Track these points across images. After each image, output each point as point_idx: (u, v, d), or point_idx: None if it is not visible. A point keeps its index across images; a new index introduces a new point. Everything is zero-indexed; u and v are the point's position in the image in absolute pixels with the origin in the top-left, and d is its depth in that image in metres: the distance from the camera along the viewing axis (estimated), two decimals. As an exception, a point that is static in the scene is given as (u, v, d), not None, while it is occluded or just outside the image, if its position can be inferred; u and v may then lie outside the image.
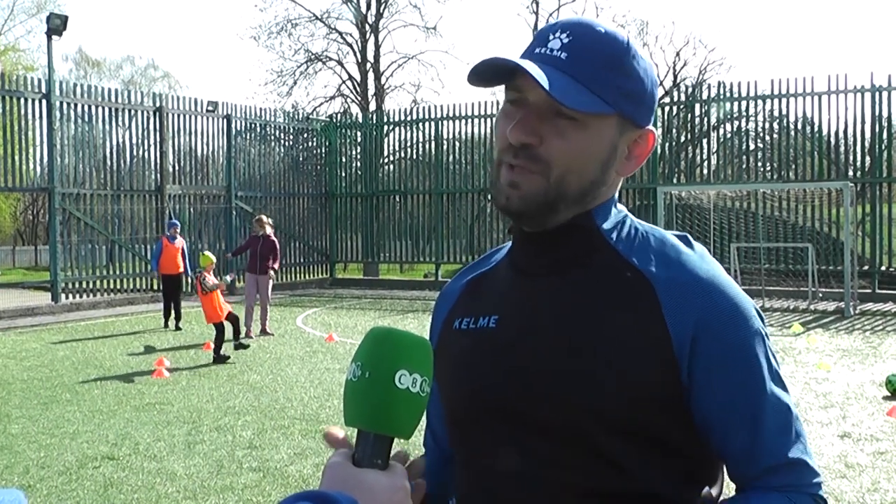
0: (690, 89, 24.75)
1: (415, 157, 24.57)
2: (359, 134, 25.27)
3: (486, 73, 1.18)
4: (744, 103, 20.26)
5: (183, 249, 14.74)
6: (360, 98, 36.61)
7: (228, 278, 13.37)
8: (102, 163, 19.91)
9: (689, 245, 1.24)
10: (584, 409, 1.16)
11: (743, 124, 20.65)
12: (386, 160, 26.05)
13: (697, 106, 21.20)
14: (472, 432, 1.27)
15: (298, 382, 9.41)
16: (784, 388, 1.20)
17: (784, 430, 1.18)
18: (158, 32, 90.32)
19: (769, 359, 1.19)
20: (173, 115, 20.74)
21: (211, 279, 11.13)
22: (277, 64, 53.10)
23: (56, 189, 17.91)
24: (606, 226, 1.25)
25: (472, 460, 1.28)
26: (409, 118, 24.59)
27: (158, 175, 20.45)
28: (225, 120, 21.86)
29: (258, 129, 23.17)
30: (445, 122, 23.35)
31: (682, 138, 22.02)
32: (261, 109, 23.72)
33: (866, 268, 18.53)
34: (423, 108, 25.11)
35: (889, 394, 8.38)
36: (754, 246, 18.88)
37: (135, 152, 20.55)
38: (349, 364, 0.99)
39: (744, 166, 20.93)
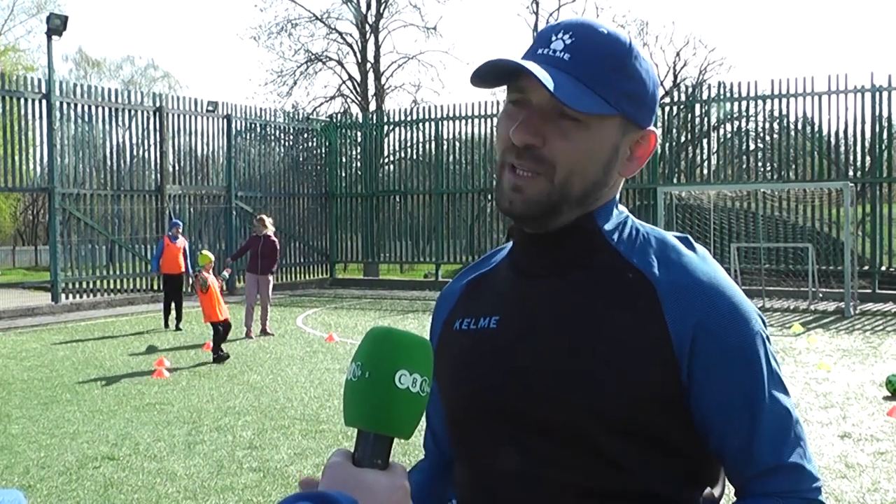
0: (690, 89, 24.75)
1: (415, 157, 24.57)
2: (359, 134, 25.28)
3: (489, 75, 1.19)
4: (744, 103, 20.26)
5: (185, 249, 14.75)
6: (360, 98, 36.61)
7: (226, 273, 13.37)
8: (102, 163, 19.91)
9: (691, 247, 1.24)
10: (584, 408, 1.16)
11: (743, 124, 20.65)
12: (386, 160, 26.05)
13: (697, 106, 21.20)
14: (472, 432, 1.27)
15: (298, 382, 9.41)
16: (784, 392, 1.20)
17: (783, 433, 1.18)
18: (158, 32, 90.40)
19: (769, 361, 1.19)
20: (173, 115, 20.75)
21: (209, 278, 11.11)
22: (277, 64, 53.16)
23: (56, 189, 17.92)
24: (608, 227, 1.25)
25: (472, 460, 1.28)
26: (409, 118, 24.59)
27: (158, 175, 20.46)
28: (225, 120, 21.87)
29: (258, 129, 23.18)
30: (445, 123, 23.36)
31: (683, 138, 22.02)
32: (261, 109, 23.73)
33: (866, 268, 18.53)
34: (424, 108, 25.12)
35: (889, 394, 8.38)
36: (754, 246, 18.88)
37: (135, 152, 20.55)
38: (349, 364, 0.99)
39: (744, 166, 20.94)
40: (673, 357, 1.16)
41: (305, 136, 24.96)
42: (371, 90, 36.94)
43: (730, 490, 1.26)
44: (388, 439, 0.96)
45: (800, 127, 19.75)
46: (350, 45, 37.02)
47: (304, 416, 7.74)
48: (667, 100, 23.40)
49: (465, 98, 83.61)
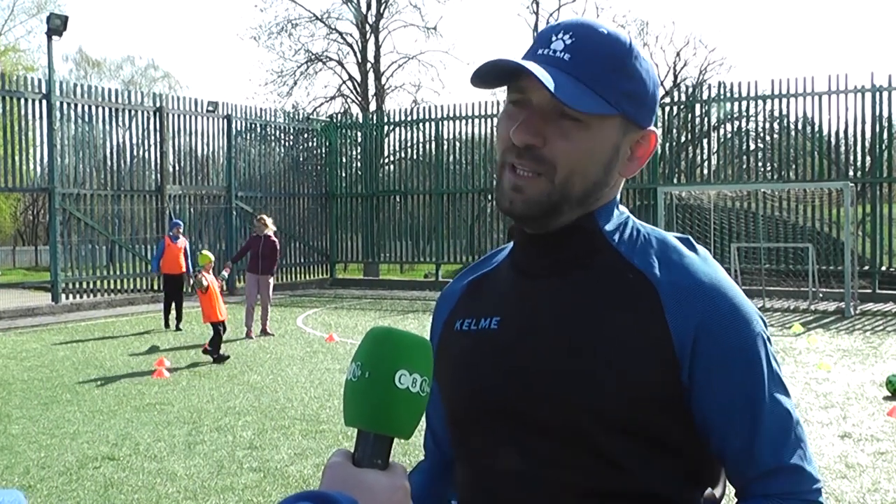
0: (691, 89, 24.75)
1: (415, 157, 24.57)
2: (359, 134, 25.28)
3: (489, 75, 1.19)
4: (744, 103, 20.26)
5: (185, 249, 14.75)
6: (360, 98, 36.61)
7: (225, 273, 13.36)
8: (102, 163, 19.91)
9: (692, 248, 1.24)
10: (584, 408, 1.16)
11: (743, 124, 20.65)
12: (386, 160, 26.05)
13: (698, 106, 21.20)
14: (472, 433, 1.27)
15: (299, 383, 9.41)
16: (785, 393, 1.20)
17: (783, 434, 1.18)
18: (158, 32, 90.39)
19: (770, 362, 1.19)
20: (173, 115, 20.75)
21: (209, 278, 11.10)
22: (277, 64, 53.16)
23: (56, 189, 17.92)
24: (609, 227, 1.25)
25: (472, 460, 1.28)
26: (409, 118, 24.59)
27: (158, 175, 20.46)
28: (225, 120, 21.87)
29: (258, 130, 23.18)
30: (446, 123, 23.36)
31: (683, 138, 22.02)
32: (261, 109, 23.73)
33: (866, 268, 18.53)
34: (424, 108, 25.12)
35: (889, 394, 8.38)
36: (754, 246, 18.88)
37: (135, 152, 20.55)
38: (349, 364, 0.99)
39: (744, 166, 20.94)
40: (674, 358, 1.16)
41: (305, 136, 24.97)
42: (371, 90, 36.95)
43: (730, 490, 1.26)
44: (388, 439, 0.96)
45: (800, 127, 19.76)
46: (350, 45, 37.04)
47: (305, 417, 7.74)
48: (667, 100, 23.40)
49: (465, 98, 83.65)
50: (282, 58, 38.69)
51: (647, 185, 20.28)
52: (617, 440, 1.16)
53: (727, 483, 1.28)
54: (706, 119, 21.24)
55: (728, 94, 20.50)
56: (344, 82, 37.33)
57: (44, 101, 17.93)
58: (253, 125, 22.95)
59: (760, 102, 20.05)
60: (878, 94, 18.58)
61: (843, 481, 5.66)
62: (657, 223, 16.48)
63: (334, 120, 26.16)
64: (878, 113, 18.67)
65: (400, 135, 25.27)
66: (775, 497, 1.17)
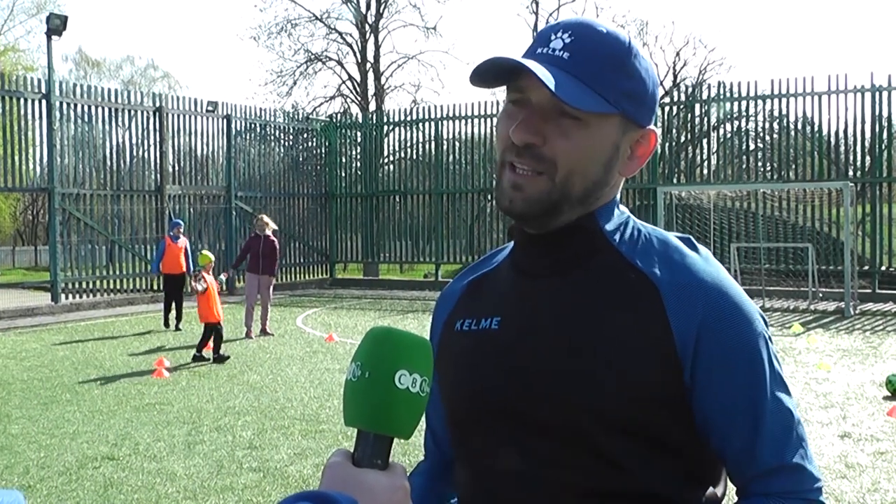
0: (690, 89, 24.77)
1: (415, 157, 24.58)
2: (359, 134, 25.28)
3: (488, 74, 1.18)
4: (744, 103, 20.26)
5: (186, 249, 14.74)
6: (359, 98, 36.61)
7: (223, 277, 13.35)
8: (102, 163, 19.91)
9: (693, 247, 1.24)
10: (584, 408, 1.16)
11: (743, 124, 20.65)
12: (386, 160, 26.05)
13: (697, 106, 21.20)
14: (473, 433, 1.27)
15: (298, 383, 9.41)
16: (787, 392, 1.20)
17: (785, 433, 1.18)
18: (158, 32, 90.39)
19: (772, 362, 1.19)
20: (173, 115, 20.75)
21: (208, 279, 11.07)
22: (277, 64, 53.10)
23: (56, 189, 17.92)
24: (609, 227, 1.25)
25: (473, 460, 1.28)
26: (409, 118, 24.59)
27: (158, 175, 20.46)
28: (225, 120, 21.87)
29: (258, 130, 23.18)
30: (445, 123, 23.36)
31: (682, 138, 22.02)
32: (261, 109, 23.73)
33: (866, 268, 18.53)
34: (423, 108, 25.13)
35: (889, 394, 8.38)
36: (754, 246, 18.88)
37: (135, 152, 20.56)
38: (349, 364, 0.99)
39: (744, 166, 20.94)
40: (676, 358, 1.15)
41: (305, 136, 24.97)
42: (371, 90, 36.95)
43: (731, 490, 1.26)
44: (387, 439, 0.96)
45: (800, 127, 19.76)
46: (350, 45, 37.04)
47: (304, 416, 7.74)
48: (667, 100, 23.39)
49: (465, 98, 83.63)
50: (281, 58, 38.77)
51: (647, 185, 20.28)
52: (617, 440, 1.16)
53: (728, 482, 1.27)
54: (706, 119, 21.24)
55: (728, 94, 20.50)
56: (343, 82, 37.35)
57: (43, 101, 17.93)
58: (253, 125, 22.95)
59: (760, 102, 20.05)
60: (877, 94, 18.58)
61: (843, 481, 5.66)
62: (657, 223, 16.47)
63: (334, 120, 26.16)
64: (878, 113, 18.67)
65: (399, 135, 25.27)
66: (776, 496, 1.17)
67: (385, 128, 25.47)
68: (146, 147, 20.75)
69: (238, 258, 14.61)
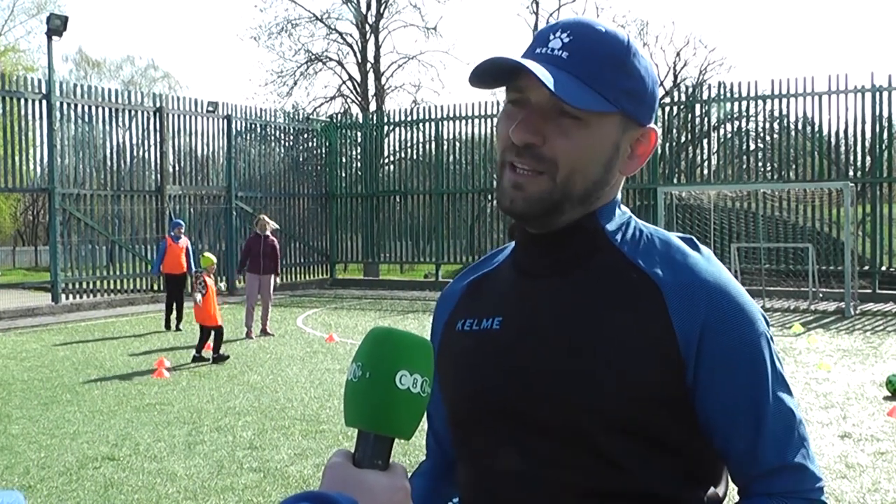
0: (691, 89, 24.75)
1: (415, 157, 24.57)
2: (359, 134, 25.27)
3: (487, 74, 1.18)
4: (744, 103, 20.26)
5: (187, 249, 14.73)
6: (360, 98, 36.61)
7: (221, 286, 13.27)
8: (102, 163, 19.91)
9: (695, 248, 1.24)
10: (584, 408, 1.16)
11: (743, 124, 20.65)
12: (386, 160, 26.05)
13: (698, 106, 21.20)
14: (474, 433, 1.27)
15: (299, 383, 9.41)
16: (788, 392, 1.20)
17: (787, 433, 1.18)
18: (158, 32, 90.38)
19: (774, 362, 1.19)
20: (173, 115, 20.75)
21: (201, 293, 11.00)
22: (277, 64, 53.11)
23: (56, 189, 17.92)
24: (610, 227, 1.25)
25: (473, 460, 1.28)
26: (409, 118, 24.59)
27: (158, 175, 20.46)
28: (225, 120, 21.87)
29: (258, 130, 23.18)
30: (446, 123, 23.36)
31: (683, 138, 22.02)
32: (261, 110, 23.73)
33: (867, 268, 18.53)
34: (424, 108, 25.12)
35: (889, 394, 8.38)
36: (755, 246, 18.88)
37: (135, 153, 20.55)
38: (349, 364, 0.99)
39: (744, 166, 20.94)
40: (679, 358, 1.15)
41: (305, 136, 24.96)
42: (371, 90, 36.95)
43: (732, 490, 1.26)
44: (388, 440, 0.96)
45: (800, 127, 19.75)
46: (350, 46, 37.03)
47: (305, 417, 7.74)
48: (667, 100, 23.40)
49: (465, 98, 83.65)
50: (282, 58, 38.73)
51: (647, 185, 20.28)
52: (617, 440, 1.16)
53: (729, 481, 1.28)
54: (706, 119, 21.24)
55: (728, 94, 20.50)
56: (344, 82, 37.34)
57: (44, 102, 17.93)
58: (253, 125, 22.95)
59: (760, 102, 20.05)
60: (878, 94, 18.58)
61: (843, 481, 5.66)
62: (657, 223, 16.47)
63: (334, 120, 26.16)
64: (878, 113, 18.67)
65: (400, 135, 25.27)
66: (778, 496, 1.17)
67: (385, 128, 25.47)
68: (146, 147, 20.76)
69: (242, 260, 14.45)
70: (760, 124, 20.51)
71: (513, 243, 1.34)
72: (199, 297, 10.95)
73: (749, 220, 19.52)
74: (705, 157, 22.20)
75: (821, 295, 17.45)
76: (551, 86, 1.11)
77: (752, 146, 21.04)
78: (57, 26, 17.57)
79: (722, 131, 21.55)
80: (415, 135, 24.38)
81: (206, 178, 21.79)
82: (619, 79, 1.18)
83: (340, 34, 37.01)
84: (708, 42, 70.75)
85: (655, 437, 1.17)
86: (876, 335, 12.95)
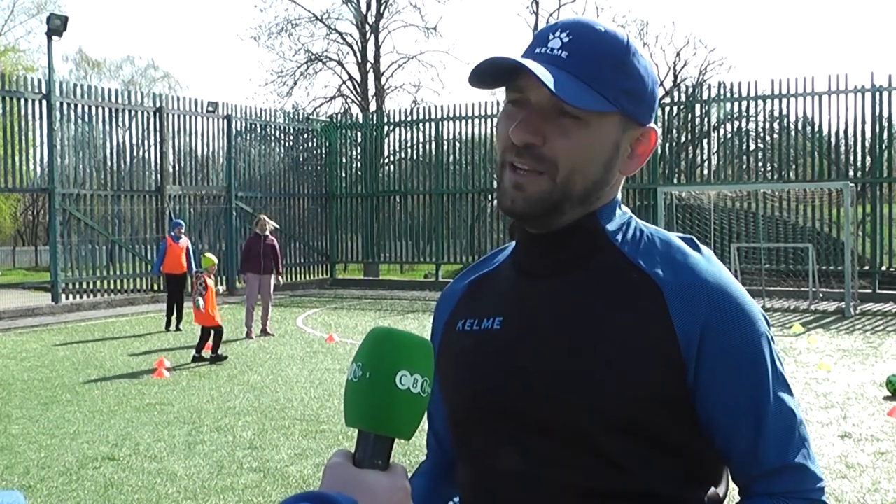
0: (691, 89, 24.75)
1: (415, 157, 24.57)
2: (359, 134, 25.28)
3: (487, 74, 1.18)
4: (744, 103, 20.26)
5: (188, 249, 14.71)
6: (360, 98, 36.61)
7: (220, 288, 13.11)
8: (102, 163, 19.91)
9: (696, 248, 1.24)
10: (584, 408, 1.16)
11: (743, 124, 20.65)
12: (386, 160, 26.05)
13: (698, 106, 21.20)
14: (474, 433, 1.27)
15: (299, 383, 9.41)
16: (789, 392, 1.20)
17: (787, 433, 1.18)
18: (158, 32, 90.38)
19: (774, 362, 1.19)
20: (173, 115, 20.75)
21: (202, 299, 10.99)
22: (277, 64, 53.11)
23: (56, 189, 17.92)
24: (611, 227, 1.25)
25: (474, 460, 1.28)
26: (409, 118, 24.59)
27: (158, 175, 20.46)
28: (225, 120, 21.86)
29: (258, 130, 23.18)
30: (446, 123, 23.36)
31: (683, 138, 22.02)
32: (261, 110, 23.73)
33: (867, 268, 18.53)
34: (424, 108, 25.12)
35: (889, 394, 8.38)
36: (755, 246, 18.88)
37: (135, 153, 20.55)
38: (350, 364, 0.99)
39: (744, 166, 20.94)
40: (680, 358, 1.15)
41: (305, 136, 24.96)
42: (371, 90, 36.95)
43: (733, 490, 1.26)
44: (388, 440, 0.96)
45: (800, 127, 19.75)
46: (350, 46, 37.03)
47: (305, 417, 7.74)
48: (667, 100, 23.40)
49: (465, 98, 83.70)
50: (282, 58, 38.73)
51: (647, 185, 20.28)
52: (617, 440, 1.16)
53: (729, 481, 1.28)
54: (706, 119, 21.24)
55: (728, 94, 20.50)
56: (344, 82, 37.35)
57: (44, 102, 17.93)
58: (253, 125, 22.95)
59: (760, 102, 20.05)
60: (878, 94, 18.58)
61: (843, 481, 5.66)
62: (657, 223, 16.47)
63: (334, 120, 26.16)
64: (878, 113, 18.67)
65: (400, 135, 25.27)
66: (779, 496, 1.17)
67: (385, 128, 25.47)
68: (146, 147, 20.75)
69: (243, 261, 14.26)
70: (760, 124, 20.51)
71: (513, 243, 1.34)
72: (200, 301, 10.93)
73: (749, 220, 19.52)
74: (705, 157, 22.20)
75: (821, 295, 17.46)
76: (551, 85, 1.11)
77: (752, 146, 21.04)
78: (57, 26, 17.57)
79: (722, 131, 21.56)
80: (415, 135, 24.38)
81: (206, 178, 21.79)
82: (618, 78, 1.18)
83: (340, 34, 37.02)
84: (708, 42, 70.78)
85: (656, 438, 1.17)
86: (876, 335, 12.95)
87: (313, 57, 36.93)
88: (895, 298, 17.87)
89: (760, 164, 21.20)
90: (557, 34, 1.19)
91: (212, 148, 21.85)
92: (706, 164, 22.04)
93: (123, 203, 19.61)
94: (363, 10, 36.22)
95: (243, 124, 22.52)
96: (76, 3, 77.97)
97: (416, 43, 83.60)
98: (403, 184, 24.27)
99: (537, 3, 36.54)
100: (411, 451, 6.04)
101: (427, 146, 24.00)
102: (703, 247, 1.24)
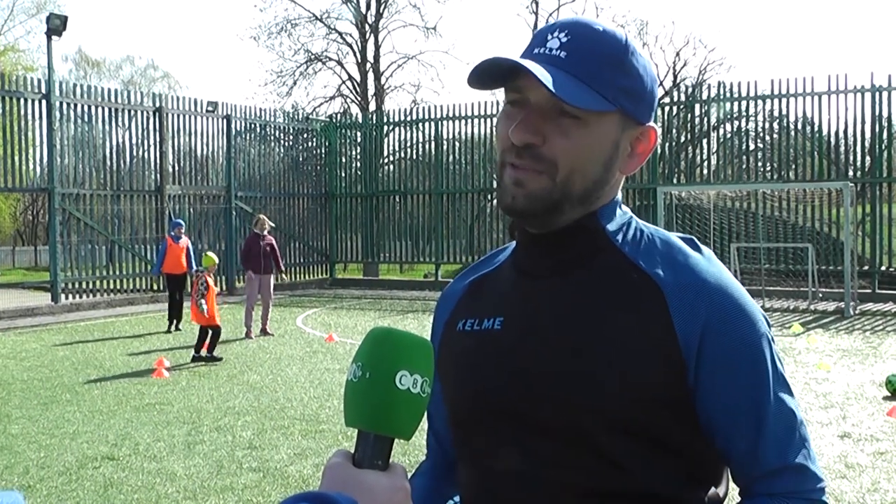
0: (690, 89, 24.76)
1: (415, 157, 24.57)
2: (359, 134, 25.28)
3: (486, 75, 1.18)
4: (744, 103, 20.26)
5: (188, 249, 14.70)
6: (359, 98, 36.61)
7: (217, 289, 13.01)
8: (102, 163, 19.91)
9: (697, 248, 1.24)
10: (586, 409, 1.16)
11: (743, 124, 20.65)
12: (386, 160, 26.05)
13: (697, 106, 21.20)
14: (475, 433, 1.27)
15: (298, 383, 9.41)
16: (789, 393, 1.20)
17: (788, 434, 1.18)
18: (158, 32, 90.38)
19: (775, 363, 1.19)
20: (173, 115, 20.74)
21: (209, 282, 11.02)
22: (277, 64, 53.11)
23: (56, 189, 17.91)
24: (611, 227, 1.25)
25: (475, 461, 1.28)
26: (408, 118, 24.59)
27: (158, 175, 20.46)
28: (225, 120, 21.86)
29: (258, 130, 23.18)
30: (445, 123, 23.36)
31: (682, 138, 22.02)
32: (261, 110, 23.73)
33: (866, 268, 18.53)
34: (423, 108, 25.13)
35: (889, 394, 8.38)
36: (754, 246, 18.88)
37: (135, 152, 20.56)
38: (349, 364, 0.99)
39: (744, 166, 20.94)
40: (681, 359, 1.15)
41: (305, 136, 24.96)
42: (371, 90, 36.96)
43: (734, 490, 1.26)
44: (388, 440, 0.96)
45: (800, 127, 19.75)
46: (350, 45, 37.04)
47: (304, 417, 7.74)
48: (667, 100, 23.39)
49: (464, 98, 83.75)
50: (281, 58, 38.79)
51: (647, 185, 20.28)
52: (618, 441, 1.16)
53: (730, 482, 1.28)
54: (706, 119, 21.24)
55: (728, 94, 20.50)
56: (343, 82, 37.35)
57: (43, 101, 17.93)
58: (252, 125, 22.95)
59: (760, 102, 20.05)
60: (878, 94, 18.58)
61: (842, 481, 5.66)
62: (657, 223, 16.47)
63: (334, 120, 26.16)
64: (878, 113, 18.67)
65: (399, 135, 25.27)
66: (779, 496, 1.17)
67: (385, 128, 25.47)
68: (146, 147, 20.76)
69: (245, 261, 14.18)
70: (760, 124, 20.51)
71: (513, 243, 1.34)
72: (204, 304, 10.90)
73: (749, 220, 19.53)
74: (705, 157, 22.20)
75: (820, 295, 17.46)
76: (550, 85, 1.11)
77: (752, 146, 21.04)
78: (57, 26, 17.57)
79: (722, 131, 21.56)
80: (414, 135, 24.38)
81: (205, 178, 21.79)
82: (617, 77, 1.18)
83: (340, 34, 37.03)
84: (708, 42, 70.80)
85: (657, 438, 1.17)
86: (876, 335, 12.95)
87: (313, 57, 36.94)
88: (895, 298, 17.88)
89: (760, 164, 21.21)
90: (556, 34, 1.19)
91: (211, 148, 21.86)
92: (706, 164, 22.04)
93: (123, 203, 19.61)
94: (363, 9, 36.24)
95: (243, 124, 22.52)
96: (76, 3, 78.00)
97: (416, 43, 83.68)
98: (403, 184, 24.27)
99: (537, 3, 36.56)
100: (411, 451, 6.04)
101: (426, 146, 24.01)
102: (703, 247, 1.24)
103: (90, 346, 12.58)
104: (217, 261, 11.91)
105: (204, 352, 10.95)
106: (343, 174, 25.10)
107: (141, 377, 9.83)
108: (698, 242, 1.25)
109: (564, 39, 1.18)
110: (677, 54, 38.11)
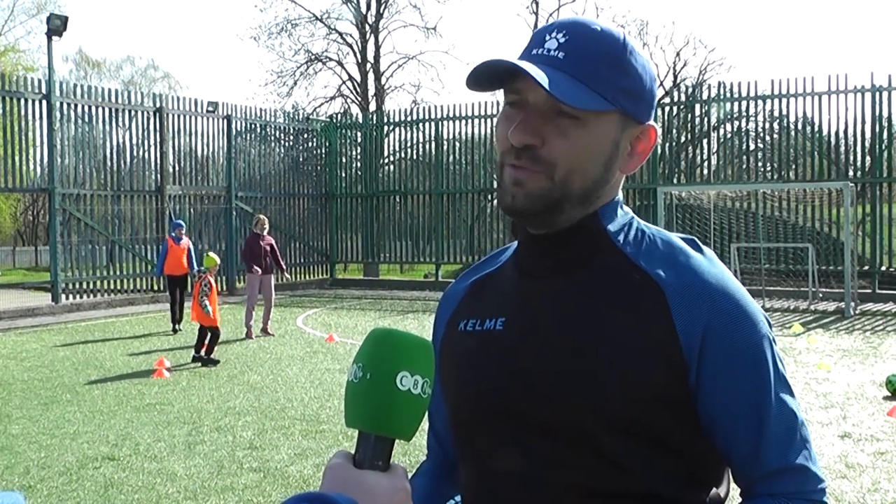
0: (690, 89, 24.75)
1: (415, 157, 24.57)
2: (359, 134, 25.27)
3: (484, 77, 1.18)
4: (744, 103, 20.26)
5: (189, 249, 14.70)
6: (360, 98, 36.60)
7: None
8: (102, 163, 19.91)
9: (698, 249, 1.24)
10: (587, 409, 1.16)
11: (743, 124, 20.65)
12: (386, 160, 26.05)
13: (697, 106, 21.19)
14: (476, 433, 1.27)
15: (299, 383, 9.41)
16: (791, 394, 1.20)
17: (789, 435, 1.18)
18: (158, 32, 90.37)
19: (776, 363, 1.19)
20: (173, 115, 20.75)
21: (208, 303, 10.96)
22: (277, 64, 53.13)
23: (56, 189, 17.91)
24: (613, 227, 1.25)
25: (476, 461, 1.28)
26: (409, 118, 24.58)
27: (158, 175, 20.46)
28: (225, 120, 21.86)
29: (258, 130, 23.18)
30: (445, 123, 23.36)
31: (683, 138, 22.01)
32: (261, 110, 23.73)
33: (866, 268, 18.53)
34: (424, 108, 25.12)
35: (889, 394, 8.38)
36: (754, 246, 18.88)
37: (135, 153, 20.55)
38: (350, 365, 0.99)
39: (744, 166, 20.93)
40: (682, 359, 1.15)
41: (305, 136, 24.96)
42: (371, 90, 36.94)
43: (734, 490, 1.26)
44: (389, 441, 0.96)
45: (800, 127, 19.75)
46: (350, 46, 37.03)
47: (305, 417, 7.74)
48: (667, 100, 23.41)
49: (465, 98, 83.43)
50: (282, 58, 38.75)
51: (647, 186, 20.27)
52: (619, 441, 1.16)
53: (731, 482, 1.28)
54: (706, 119, 21.23)
55: (728, 94, 20.50)
56: (344, 82, 37.34)
57: (44, 102, 17.93)
58: (253, 125, 22.94)
59: (760, 102, 20.04)
60: (878, 94, 18.57)
61: (843, 481, 5.66)
62: (657, 223, 16.46)
63: (334, 120, 26.16)
64: (878, 113, 18.66)
65: (400, 135, 25.27)
66: (781, 497, 1.17)
67: (385, 128, 25.47)
68: (146, 147, 20.75)
69: (248, 260, 14.09)
70: (760, 124, 20.50)
71: (515, 243, 1.34)
72: (208, 306, 10.87)
73: (749, 220, 19.52)
74: (705, 157, 22.20)
75: (820, 295, 17.45)
76: (547, 86, 1.11)
77: (752, 146, 21.03)
78: (57, 26, 17.57)
79: (722, 131, 21.55)
80: (414, 135, 24.38)
81: (206, 178, 21.79)
82: (616, 77, 1.18)
83: (340, 34, 37.01)
84: (708, 42, 70.71)
85: (658, 439, 1.17)
86: (876, 335, 12.95)
87: (313, 57, 36.93)
88: (895, 298, 17.87)
89: (760, 164, 21.20)
90: (554, 35, 1.19)
91: (212, 148, 21.85)
92: (706, 164, 22.04)
93: (123, 203, 19.61)
94: (363, 10, 36.23)
95: (243, 124, 22.52)
96: (76, 3, 78.01)
97: (416, 43, 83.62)
98: (403, 184, 24.27)
99: (537, 3, 36.54)
100: (411, 451, 6.04)
101: (427, 146, 24.00)
102: (704, 248, 1.24)
103: (91, 346, 12.59)
104: (219, 261, 11.90)
105: (202, 352, 10.93)
106: (343, 174, 25.09)
107: (141, 377, 9.83)
108: (699, 243, 1.25)
109: (562, 40, 1.18)
110: (677, 54, 38.11)
